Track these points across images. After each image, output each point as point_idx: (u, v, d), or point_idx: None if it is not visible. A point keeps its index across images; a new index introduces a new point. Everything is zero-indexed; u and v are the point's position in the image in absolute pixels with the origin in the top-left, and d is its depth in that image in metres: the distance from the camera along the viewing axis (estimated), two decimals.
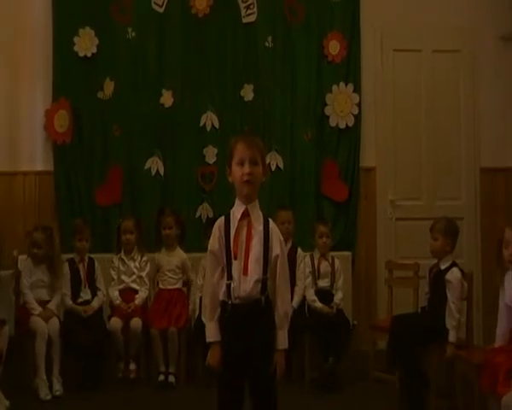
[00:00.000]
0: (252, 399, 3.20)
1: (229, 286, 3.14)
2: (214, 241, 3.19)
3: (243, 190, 3.16)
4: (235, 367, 3.14)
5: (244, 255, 3.14)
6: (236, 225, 3.16)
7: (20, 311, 5.25)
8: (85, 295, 5.47)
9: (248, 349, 3.12)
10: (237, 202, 3.22)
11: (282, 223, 5.53)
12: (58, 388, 5.07)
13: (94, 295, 5.50)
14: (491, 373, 3.77)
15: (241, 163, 3.14)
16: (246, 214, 3.17)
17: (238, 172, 3.15)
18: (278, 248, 3.20)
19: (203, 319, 3.23)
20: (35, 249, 5.34)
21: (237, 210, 3.19)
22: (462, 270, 4.85)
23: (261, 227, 3.19)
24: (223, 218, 3.23)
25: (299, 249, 5.68)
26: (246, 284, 3.13)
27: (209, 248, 3.21)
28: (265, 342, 3.15)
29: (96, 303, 5.45)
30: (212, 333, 3.16)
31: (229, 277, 3.14)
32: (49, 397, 5.00)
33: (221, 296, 3.16)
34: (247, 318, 3.14)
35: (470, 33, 6.57)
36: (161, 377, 5.31)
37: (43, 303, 5.27)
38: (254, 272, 3.13)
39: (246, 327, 3.13)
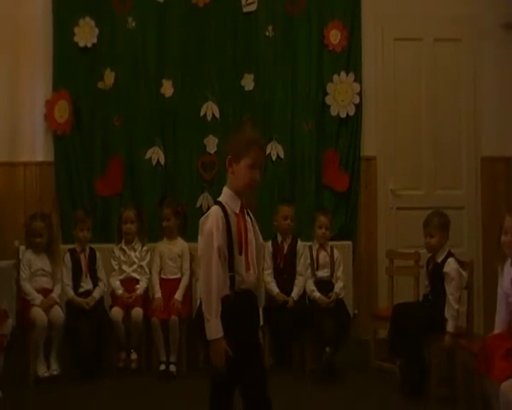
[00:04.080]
0: (244, 391, 3.20)
1: (232, 278, 3.15)
2: (219, 235, 3.11)
3: (245, 191, 3.19)
4: (235, 357, 3.13)
5: (245, 250, 3.16)
6: (236, 219, 3.16)
7: (22, 302, 5.27)
8: (86, 285, 5.48)
9: (252, 337, 3.20)
10: (231, 193, 3.19)
11: (285, 218, 5.54)
12: (55, 367, 5.15)
13: (95, 285, 5.50)
14: (486, 356, 3.78)
15: (253, 167, 3.15)
16: (242, 208, 3.20)
17: (247, 175, 3.15)
18: (260, 236, 3.34)
19: (206, 314, 3.10)
20: (37, 239, 5.35)
21: (233, 203, 3.17)
22: (458, 259, 4.87)
23: (248, 218, 3.24)
24: (219, 210, 3.15)
25: (299, 241, 5.67)
26: (250, 276, 3.18)
27: (215, 244, 3.10)
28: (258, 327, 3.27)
29: (97, 294, 5.46)
30: (218, 329, 3.08)
31: (231, 269, 3.15)
32: (46, 374, 5.08)
33: (224, 291, 3.15)
34: (249, 305, 3.20)
35: (471, 22, 6.54)
36: (162, 367, 5.32)
37: (45, 292, 5.29)
38: (255, 265, 3.21)
39: (248, 315, 3.20)
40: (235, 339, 3.11)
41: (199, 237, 3.20)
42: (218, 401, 3.24)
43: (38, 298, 5.20)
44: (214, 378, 3.21)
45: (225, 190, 3.21)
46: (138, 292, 5.50)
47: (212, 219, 3.14)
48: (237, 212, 3.16)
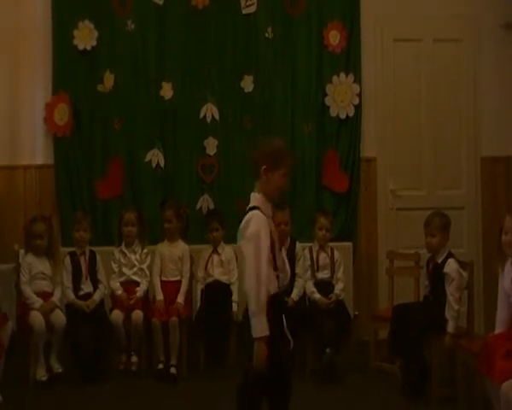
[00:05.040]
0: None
1: (278, 277, 3.29)
2: (267, 236, 3.22)
3: (276, 195, 3.34)
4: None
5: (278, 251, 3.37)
6: (271, 222, 3.32)
7: (22, 306, 5.27)
8: (86, 287, 5.48)
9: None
10: (263, 198, 3.29)
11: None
12: (57, 367, 5.15)
13: (95, 287, 5.50)
14: (487, 356, 3.78)
15: (287, 175, 3.32)
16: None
17: (281, 182, 3.30)
18: None
19: (254, 308, 3.11)
20: (37, 241, 5.34)
21: (266, 208, 3.29)
22: (458, 260, 4.87)
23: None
24: (261, 214, 3.25)
25: (298, 243, 5.64)
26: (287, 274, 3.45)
27: (264, 244, 3.20)
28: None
29: (97, 296, 5.46)
30: (265, 326, 3.12)
31: (276, 267, 3.28)
32: (43, 378, 5.06)
33: (273, 289, 3.23)
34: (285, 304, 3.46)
35: (471, 22, 6.53)
36: (160, 366, 5.32)
37: (46, 295, 5.28)
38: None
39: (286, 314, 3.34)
40: (281, 339, 3.25)
41: (242, 242, 3.26)
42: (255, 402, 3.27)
43: (38, 302, 5.20)
44: (250, 379, 3.23)
45: (256, 196, 3.30)
46: (138, 295, 5.50)
47: (257, 221, 3.22)
48: (271, 215, 3.32)
